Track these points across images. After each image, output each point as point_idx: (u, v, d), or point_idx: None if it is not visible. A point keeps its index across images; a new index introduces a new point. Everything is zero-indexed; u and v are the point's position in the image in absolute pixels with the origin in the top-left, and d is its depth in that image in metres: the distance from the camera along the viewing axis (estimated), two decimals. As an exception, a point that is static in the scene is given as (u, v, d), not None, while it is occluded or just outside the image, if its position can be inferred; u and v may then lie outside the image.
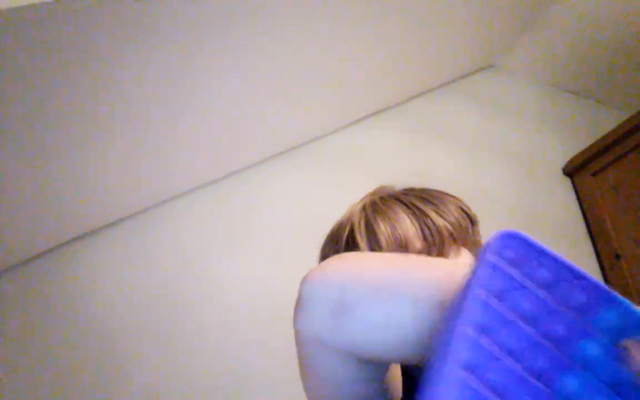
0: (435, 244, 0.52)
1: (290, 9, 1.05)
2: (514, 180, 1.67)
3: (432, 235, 0.52)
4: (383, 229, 0.52)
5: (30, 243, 1.18)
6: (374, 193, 0.59)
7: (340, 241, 0.54)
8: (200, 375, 1.18)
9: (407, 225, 0.53)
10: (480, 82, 1.82)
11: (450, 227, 0.54)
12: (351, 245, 0.52)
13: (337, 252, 0.54)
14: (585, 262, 1.63)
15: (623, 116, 1.77)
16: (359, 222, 0.54)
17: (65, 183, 1.09)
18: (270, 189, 1.42)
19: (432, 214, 0.54)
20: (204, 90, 1.11)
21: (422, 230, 0.52)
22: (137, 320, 1.20)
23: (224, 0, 0.93)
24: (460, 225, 0.55)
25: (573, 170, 1.75)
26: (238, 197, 1.39)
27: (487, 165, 1.66)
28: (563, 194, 1.73)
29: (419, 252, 0.51)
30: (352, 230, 0.54)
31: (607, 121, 1.88)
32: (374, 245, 0.51)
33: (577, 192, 1.75)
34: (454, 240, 0.54)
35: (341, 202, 1.59)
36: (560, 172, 1.78)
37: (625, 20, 1.67)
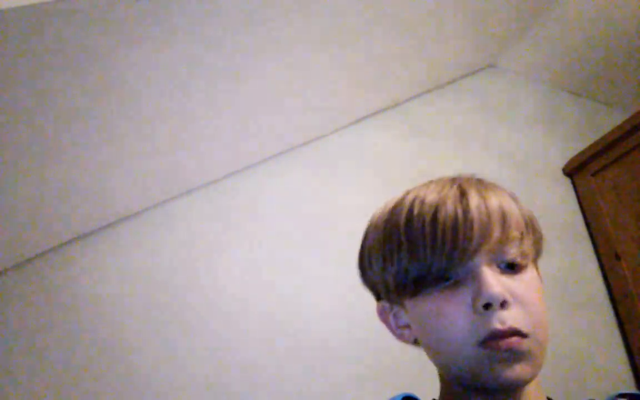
0: (529, 239, 0.52)
1: (291, 9, 1.05)
2: (514, 181, 1.67)
3: (526, 227, 0.52)
4: (494, 200, 0.51)
5: (30, 243, 1.18)
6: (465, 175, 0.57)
7: (443, 202, 0.51)
8: (200, 374, 1.18)
9: (513, 207, 0.52)
10: (480, 82, 1.82)
11: (539, 233, 0.54)
12: (460, 203, 0.50)
13: (431, 217, 0.50)
14: (585, 262, 1.63)
15: (623, 116, 1.77)
16: (469, 187, 0.52)
17: (65, 183, 1.09)
18: (270, 189, 1.42)
19: (528, 212, 0.55)
20: (204, 91, 1.11)
21: (521, 217, 0.52)
22: (137, 319, 1.20)
23: (225, 2, 0.93)
24: (541, 239, 0.55)
25: (573, 170, 1.75)
26: (238, 197, 1.39)
27: (487, 165, 1.66)
28: (563, 194, 1.73)
29: (512, 240, 0.50)
30: (463, 192, 0.51)
31: (607, 121, 1.88)
32: (484, 214, 0.50)
33: (577, 192, 1.75)
34: (537, 251, 0.54)
35: (341, 202, 1.59)
36: (560, 172, 1.78)
37: (625, 20, 1.67)
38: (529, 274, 0.51)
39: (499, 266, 0.50)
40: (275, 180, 1.44)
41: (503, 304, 0.47)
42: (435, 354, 0.52)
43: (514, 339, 0.46)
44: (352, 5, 1.16)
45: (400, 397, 0.52)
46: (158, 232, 1.30)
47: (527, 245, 0.51)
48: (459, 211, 0.50)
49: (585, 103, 1.99)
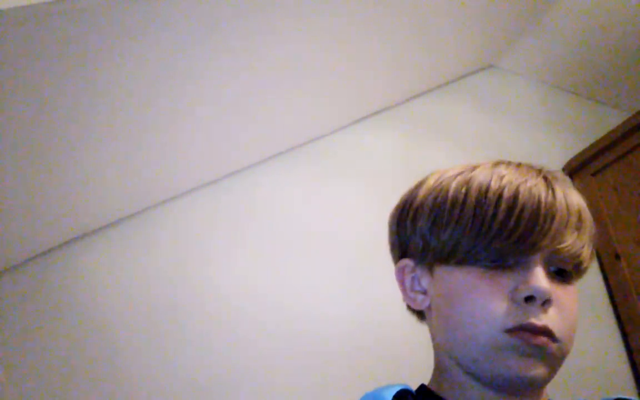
0: (588, 252, 0.50)
1: (289, 8, 1.05)
2: (514, 180, 1.66)
3: (589, 240, 0.50)
4: (575, 203, 0.49)
5: (30, 243, 1.18)
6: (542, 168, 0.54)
7: (526, 186, 0.47)
8: (198, 375, 1.18)
9: (588, 215, 0.51)
10: (480, 82, 1.82)
11: (595, 251, 0.52)
12: (544, 194, 0.47)
13: (507, 206, 0.47)
14: (585, 262, 1.63)
15: (623, 116, 1.77)
16: (554, 180, 0.50)
17: (64, 183, 1.09)
18: (269, 190, 1.42)
19: (593, 224, 0.52)
20: (204, 90, 1.11)
21: (590, 230, 0.51)
22: (136, 320, 1.20)
23: (223, 0, 0.93)
24: (593, 258, 0.53)
25: (573, 170, 1.75)
26: (237, 198, 1.39)
27: (487, 165, 1.66)
28: (563, 194, 1.73)
29: (579, 249, 0.48)
30: (548, 183, 0.49)
31: (607, 121, 1.87)
32: (564, 214, 0.47)
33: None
34: (587, 268, 0.52)
35: (341, 202, 1.59)
36: (560, 172, 1.78)
37: (625, 20, 1.67)
38: (573, 287, 0.49)
39: (549, 268, 0.48)
40: (273, 182, 1.43)
41: (545, 303, 0.45)
42: (452, 328, 0.49)
43: (544, 339, 0.45)
44: (352, 5, 1.16)
45: (397, 389, 0.50)
46: (156, 233, 1.30)
47: (586, 257, 0.50)
48: (542, 202, 0.47)
49: (585, 103, 1.99)
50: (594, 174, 1.68)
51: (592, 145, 1.68)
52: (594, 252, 0.52)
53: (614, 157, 1.60)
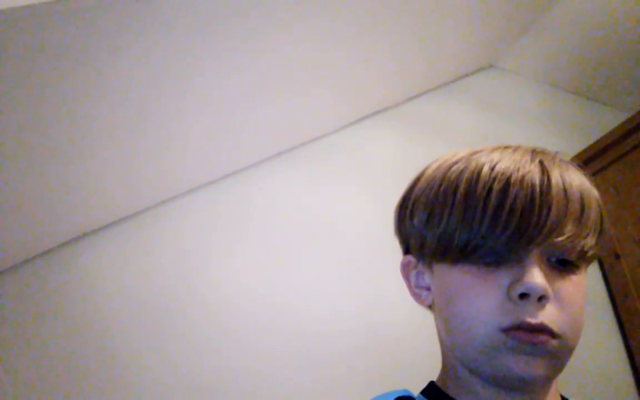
0: (593, 239, 0.47)
1: (289, 8, 1.05)
2: (514, 180, 1.66)
3: (595, 225, 0.47)
4: (576, 190, 0.46)
5: (30, 243, 1.18)
6: (543, 150, 0.50)
7: (518, 175, 0.44)
8: (198, 375, 1.18)
9: (592, 200, 0.47)
10: (480, 82, 1.82)
11: (606, 234, 0.49)
12: (538, 183, 0.44)
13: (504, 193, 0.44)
14: (585, 262, 1.63)
15: (623, 116, 1.77)
16: (552, 167, 0.46)
17: (64, 183, 1.09)
18: (269, 190, 1.42)
19: (603, 205, 0.49)
20: (204, 90, 1.11)
21: (597, 212, 0.47)
22: (136, 320, 1.20)
23: (223, 1, 0.93)
24: (605, 242, 0.50)
25: (573, 170, 1.75)
26: (237, 198, 1.39)
27: (487, 165, 1.66)
28: (563, 194, 1.73)
29: (581, 240, 0.45)
30: (544, 170, 0.45)
31: (607, 121, 1.88)
32: (562, 204, 0.44)
33: (577, 192, 1.74)
34: (595, 254, 0.48)
35: (341, 202, 1.59)
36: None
37: (625, 20, 1.67)
38: (579, 276, 0.46)
39: (549, 259, 0.45)
40: (273, 182, 1.43)
41: (541, 298, 0.43)
42: (451, 328, 0.48)
43: (542, 337, 0.42)
44: (351, 5, 1.16)
45: (394, 397, 0.49)
46: (156, 233, 1.30)
47: (591, 245, 0.46)
48: (537, 192, 0.43)
49: (585, 103, 1.99)
50: (594, 174, 1.66)
51: (592, 145, 1.68)
52: (605, 236, 0.49)
53: (614, 157, 1.60)
